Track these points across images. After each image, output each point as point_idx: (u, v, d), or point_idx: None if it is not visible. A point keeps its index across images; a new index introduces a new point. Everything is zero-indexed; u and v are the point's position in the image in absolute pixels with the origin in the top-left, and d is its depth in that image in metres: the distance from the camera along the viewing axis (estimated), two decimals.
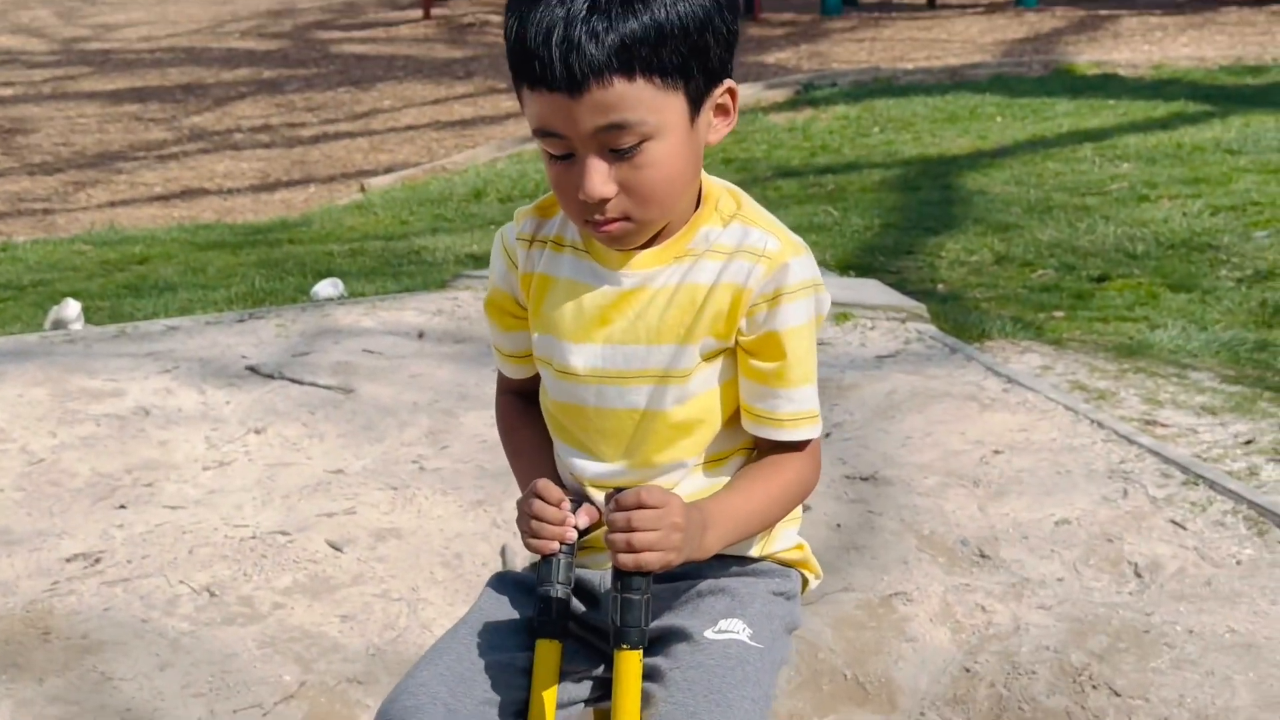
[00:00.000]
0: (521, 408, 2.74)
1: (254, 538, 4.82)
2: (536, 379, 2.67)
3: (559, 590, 2.43)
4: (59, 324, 6.98)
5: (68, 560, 4.72)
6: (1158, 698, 3.89)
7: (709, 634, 2.56)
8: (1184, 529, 4.60)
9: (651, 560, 2.30)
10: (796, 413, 2.51)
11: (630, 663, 2.43)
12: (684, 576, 2.62)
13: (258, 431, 5.59)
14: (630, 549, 2.31)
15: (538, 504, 2.39)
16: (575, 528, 2.43)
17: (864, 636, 4.26)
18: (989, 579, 4.44)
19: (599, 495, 2.56)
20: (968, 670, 4.11)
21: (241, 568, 4.65)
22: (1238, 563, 4.41)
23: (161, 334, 6.72)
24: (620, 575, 2.36)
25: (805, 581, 2.78)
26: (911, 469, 5.07)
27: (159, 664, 4.22)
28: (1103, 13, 16.26)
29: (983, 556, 4.55)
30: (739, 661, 2.53)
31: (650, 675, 2.52)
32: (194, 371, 6.16)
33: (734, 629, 2.57)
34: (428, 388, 5.99)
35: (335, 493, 5.10)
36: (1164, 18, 15.85)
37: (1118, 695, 3.92)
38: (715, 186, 2.56)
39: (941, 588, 4.39)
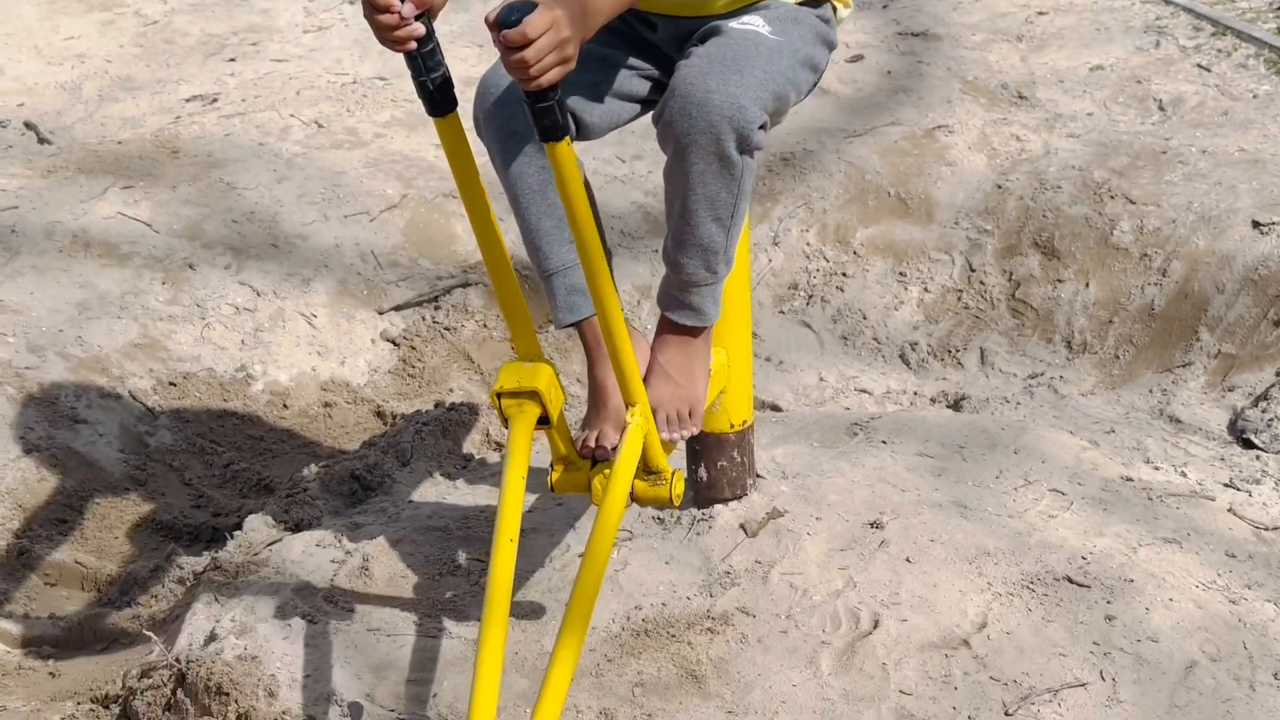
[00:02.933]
0: None
1: (354, 83, 5.26)
2: None
3: (434, 80, 2.40)
4: None
5: (187, 100, 5.19)
6: (1168, 204, 4.32)
7: (732, 24, 2.79)
8: (1208, 71, 4.94)
9: (556, 76, 2.30)
10: None
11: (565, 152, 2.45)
12: (711, 20, 2.82)
13: (352, 1, 5.95)
14: (536, 79, 2.29)
15: (372, 14, 2.33)
16: (418, 18, 2.34)
17: (907, 161, 4.68)
18: (1025, 115, 4.83)
19: None
20: (999, 187, 4.54)
21: (345, 105, 5.10)
22: (1254, 96, 4.77)
23: None
24: (532, 96, 2.33)
25: (836, 10, 2.95)
26: (960, 27, 5.40)
27: (276, 178, 4.72)
28: None
29: (1020, 97, 4.93)
30: (754, 43, 2.75)
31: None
32: None
33: (754, 23, 2.79)
34: None
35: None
36: None
37: (1133, 203, 4.36)
38: None
39: (980, 122, 4.79)
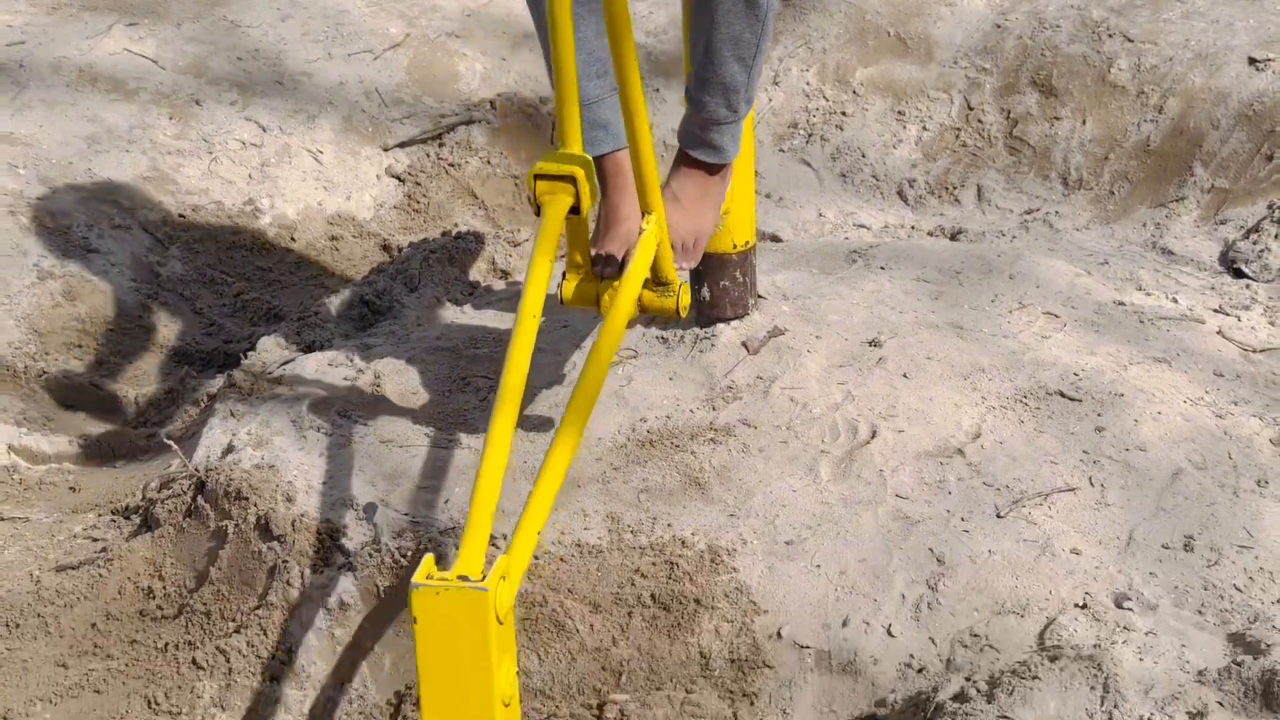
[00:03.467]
0: None
1: None
2: None
3: None
4: None
5: None
6: (1165, 41, 4.36)
7: None
8: None
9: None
10: None
11: None
12: None
13: None
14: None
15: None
16: None
17: (907, 1, 4.70)
18: None
19: None
20: (998, 26, 4.58)
21: None
22: None
23: None
24: None
25: None
26: None
27: (280, 15, 4.74)
28: None
29: None
30: None
31: None
32: None
33: None
34: None
35: None
36: None
37: (1130, 41, 4.40)
38: None
39: None
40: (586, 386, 2.56)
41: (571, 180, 2.68)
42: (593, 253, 2.93)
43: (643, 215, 2.82)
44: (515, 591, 2.23)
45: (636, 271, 2.77)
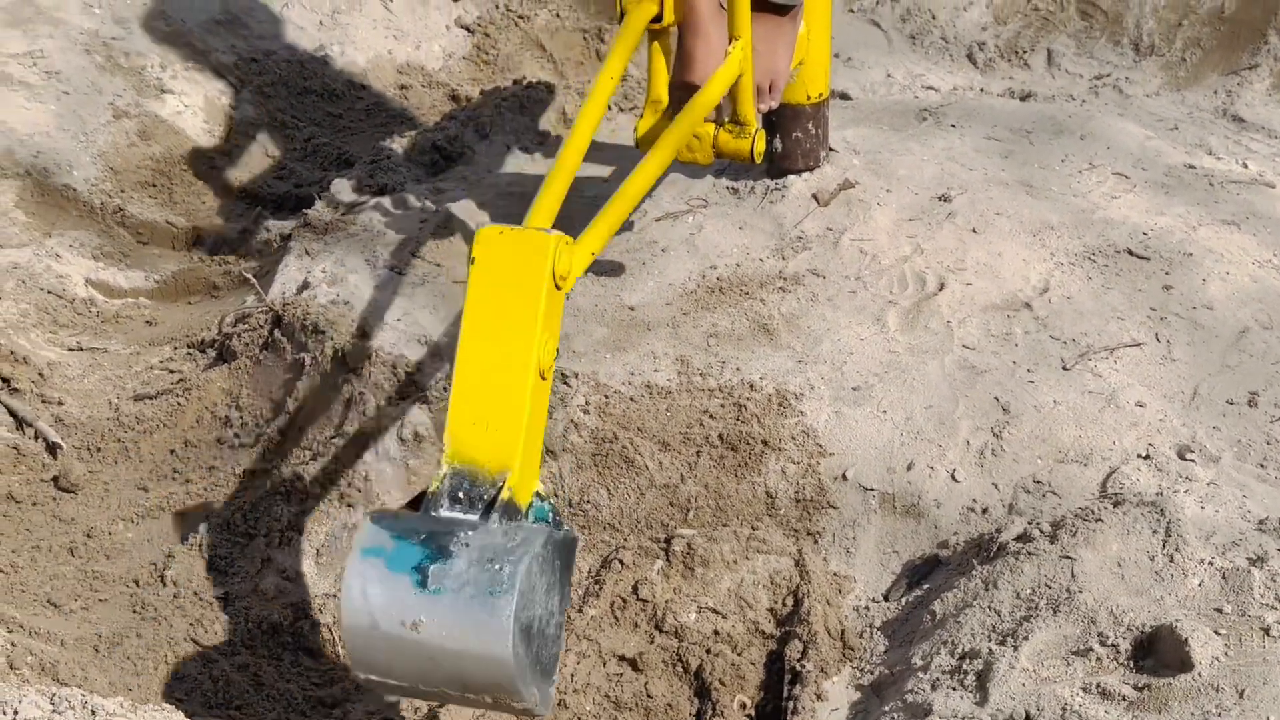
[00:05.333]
0: None
1: None
2: None
3: None
4: None
5: None
6: None
7: None
8: None
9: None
10: None
11: None
12: None
13: None
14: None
15: None
16: None
17: None
18: None
19: None
20: None
21: None
22: None
23: None
24: None
25: None
26: None
27: None
28: None
29: None
30: None
31: None
32: None
33: None
34: None
35: None
36: None
37: None
38: None
39: None
40: (647, 169, 2.57)
41: None
42: (671, 82, 2.92)
43: (730, 40, 2.82)
44: (583, 266, 2.23)
45: (716, 85, 2.76)
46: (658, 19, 2.71)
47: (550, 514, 2.10)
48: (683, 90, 2.86)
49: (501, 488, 2.02)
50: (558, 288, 2.11)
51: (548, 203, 2.27)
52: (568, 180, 2.39)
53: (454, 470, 2.05)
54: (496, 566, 1.95)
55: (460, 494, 2.04)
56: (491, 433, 2.06)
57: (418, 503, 2.09)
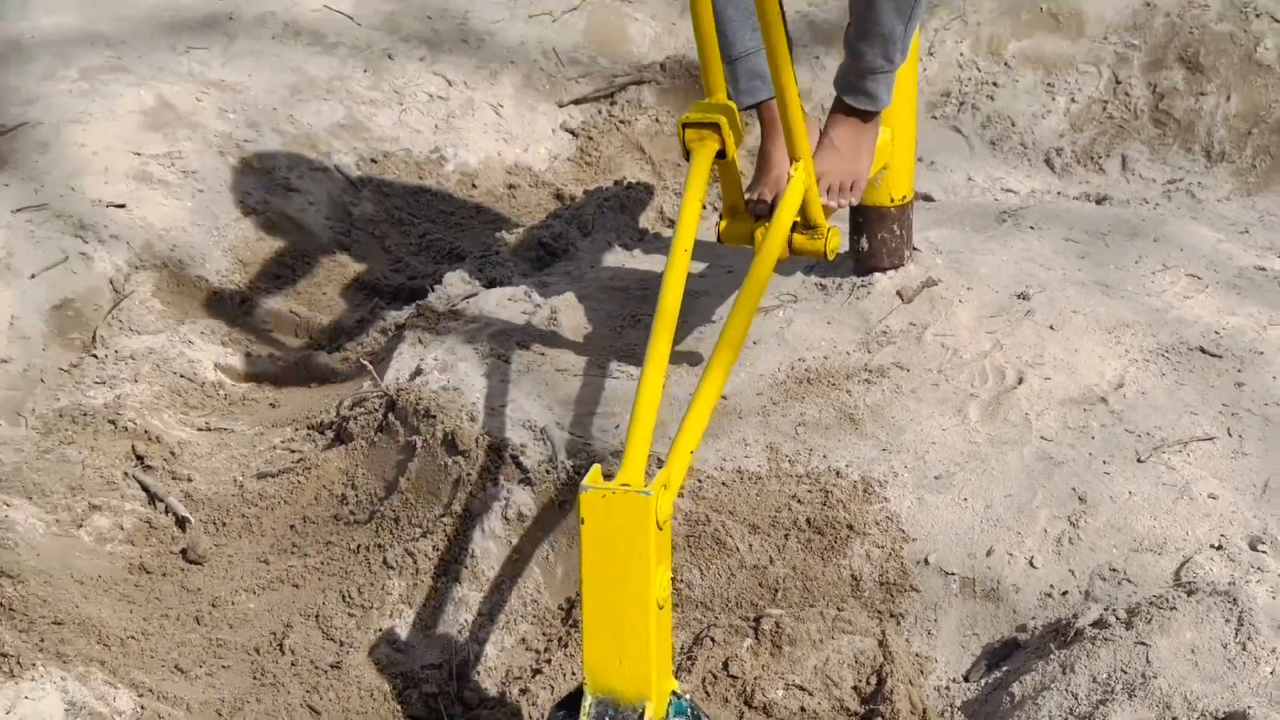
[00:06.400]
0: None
1: None
2: None
3: None
4: None
5: None
6: None
7: None
8: None
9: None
10: None
11: None
12: None
13: None
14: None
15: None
16: None
17: None
18: None
19: None
20: (1148, 4, 4.51)
21: None
22: None
23: None
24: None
25: None
26: None
27: None
28: None
29: None
30: None
31: None
32: None
33: None
34: None
35: None
36: None
37: (1277, 21, 4.33)
38: None
39: None
40: (738, 319, 2.59)
41: (716, 127, 2.72)
42: (746, 196, 2.97)
43: (791, 162, 2.85)
44: (673, 500, 2.27)
45: (785, 212, 2.80)
46: (721, 154, 2.75)
47: (688, 709, 2.29)
48: (755, 204, 2.94)
49: (643, 713, 2.21)
50: (660, 529, 2.21)
51: (638, 445, 2.33)
52: (657, 398, 2.45)
53: (598, 700, 2.23)
54: None
55: (608, 716, 2.22)
56: (625, 667, 2.22)
57: (571, 699, 2.29)
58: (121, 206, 3.79)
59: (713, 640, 2.66)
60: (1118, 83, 4.40)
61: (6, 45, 4.36)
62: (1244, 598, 2.45)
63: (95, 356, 3.47)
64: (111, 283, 3.63)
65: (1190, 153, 4.24)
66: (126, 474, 3.17)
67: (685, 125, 2.74)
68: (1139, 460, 2.82)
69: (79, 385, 3.38)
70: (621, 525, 2.20)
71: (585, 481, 2.22)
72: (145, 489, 3.14)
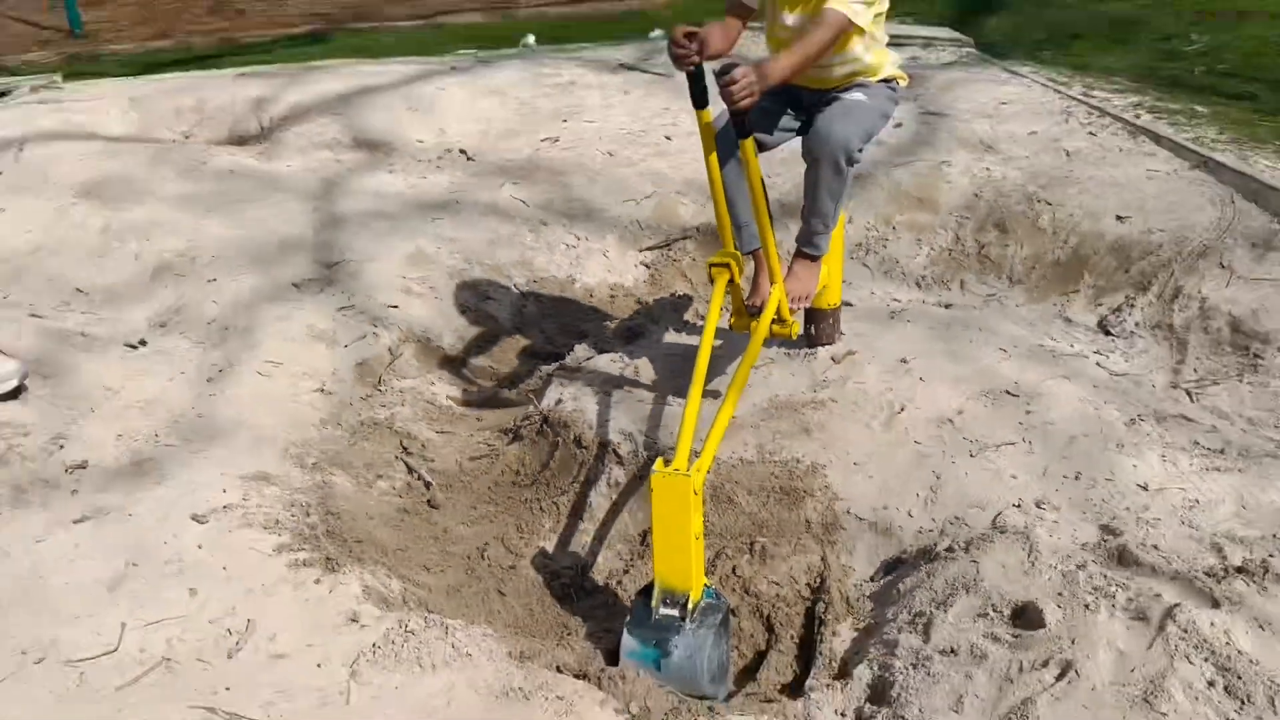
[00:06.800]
0: (730, 22, 2.73)
1: (628, 133, 5.26)
2: (749, 11, 2.75)
3: (699, 87, 2.42)
4: (526, 44, 7.41)
5: (542, 140, 5.24)
6: (1070, 204, 4.20)
7: (844, 95, 2.79)
8: (1095, 135, 4.77)
9: (746, 103, 2.35)
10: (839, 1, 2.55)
11: (748, 146, 2.52)
12: (832, 92, 2.79)
13: (625, 93, 5.92)
14: (736, 101, 2.33)
15: (672, 41, 2.36)
16: (697, 55, 2.40)
17: (924, 180, 4.56)
18: (991, 157, 4.67)
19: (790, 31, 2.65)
20: (976, 195, 4.43)
21: (623, 145, 5.10)
22: (1120, 150, 4.58)
23: (577, 50, 6.86)
24: (734, 114, 2.38)
25: (899, 84, 2.91)
26: (957, 109, 5.21)
27: (589, 180, 4.75)
28: None
29: (988, 147, 4.79)
30: (856, 104, 2.76)
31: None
32: (593, 63, 6.30)
33: (856, 95, 2.79)
34: None
35: (660, 120, 5.46)
36: None
37: (1049, 204, 4.25)
38: None
39: (966, 160, 4.64)
40: (742, 372, 2.60)
41: (728, 265, 2.73)
42: (745, 303, 2.96)
43: (770, 284, 2.83)
44: (704, 478, 2.26)
45: (768, 314, 2.80)
46: (730, 280, 2.76)
47: (714, 593, 2.30)
48: (751, 308, 2.91)
49: (687, 600, 2.26)
50: (696, 494, 2.22)
51: (684, 445, 2.32)
52: (695, 416, 2.43)
53: (663, 590, 2.28)
54: (689, 656, 2.20)
55: (668, 600, 2.27)
56: (678, 575, 2.28)
57: (646, 589, 2.32)
58: (395, 307, 3.81)
59: (726, 556, 2.66)
60: (959, 239, 4.36)
61: (343, 219, 4.43)
62: (1033, 536, 2.42)
63: (380, 391, 3.49)
64: (389, 349, 3.65)
65: (1000, 278, 4.19)
66: (397, 457, 3.19)
67: (711, 264, 2.75)
68: (970, 455, 2.79)
69: (370, 407, 3.41)
70: (674, 493, 2.20)
71: (654, 468, 2.22)
72: (407, 466, 3.17)
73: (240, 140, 5.31)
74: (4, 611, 2.25)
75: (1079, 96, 5.36)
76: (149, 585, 2.36)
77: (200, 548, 2.49)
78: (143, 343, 3.44)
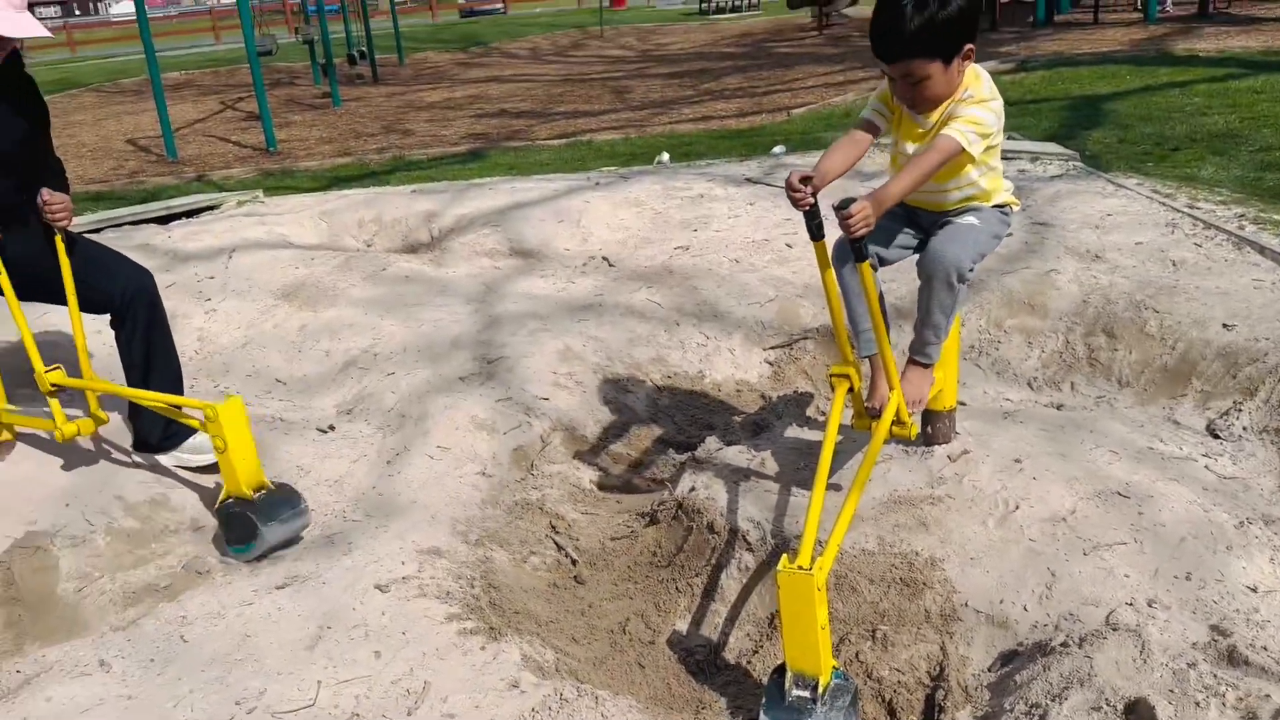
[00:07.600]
0: (859, 136, 2.71)
1: (753, 242, 5.36)
2: (877, 131, 2.72)
3: (815, 223, 2.44)
4: (661, 161, 7.67)
5: (675, 248, 5.42)
6: (1177, 312, 4.11)
7: (958, 219, 2.81)
8: (1200, 246, 4.68)
9: (863, 231, 2.39)
10: (954, 129, 2.54)
11: (867, 270, 2.57)
12: (948, 214, 2.81)
13: (750, 204, 6.06)
14: (854, 231, 2.37)
15: (788, 186, 2.40)
16: (811, 196, 2.41)
17: (1034, 286, 4.52)
18: (1098, 265, 4.62)
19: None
20: (1084, 301, 4.38)
21: (749, 252, 5.22)
22: (1225, 260, 4.48)
23: (705, 166, 7.14)
24: (852, 242, 2.45)
25: (1012, 209, 2.93)
26: (1065, 220, 5.21)
27: (717, 284, 4.87)
28: (1192, 25, 14.64)
29: (1096, 257, 4.75)
30: (969, 226, 2.77)
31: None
32: (721, 178, 6.52)
33: (969, 218, 2.80)
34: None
35: (782, 230, 5.57)
36: (1229, 26, 14.19)
37: (1157, 312, 4.17)
38: (969, 74, 2.54)
39: (1074, 268, 4.60)
40: (864, 469, 2.60)
41: (847, 376, 2.76)
42: (865, 405, 2.97)
43: (889, 388, 2.86)
44: (828, 573, 2.28)
45: (888, 415, 2.80)
46: (851, 389, 2.79)
47: (842, 675, 2.29)
48: (871, 410, 2.92)
49: (818, 683, 2.25)
50: (820, 590, 2.22)
51: (809, 538, 2.33)
52: (819, 512, 2.44)
53: (795, 673, 2.26)
54: None
55: (800, 682, 2.25)
56: (808, 661, 2.26)
57: (779, 669, 2.31)
58: (546, 399, 3.94)
59: (849, 641, 2.66)
60: (1068, 343, 4.31)
61: (501, 319, 4.65)
62: (1144, 633, 2.37)
63: (532, 474, 3.60)
64: (541, 437, 3.76)
65: (1109, 381, 4.12)
66: (547, 535, 3.28)
67: (832, 374, 2.80)
68: (1084, 554, 2.75)
69: (524, 489, 3.51)
70: (800, 589, 2.21)
71: (779, 566, 2.24)
72: (556, 544, 3.25)
73: (413, 248, 5.64)
74: (226, 665, 2.42)
75: (1183, 209, 5.26)
76: (340, 647, 2.51)
77: (383, 614, 2.62)
78: (331, 428, 3.67)
